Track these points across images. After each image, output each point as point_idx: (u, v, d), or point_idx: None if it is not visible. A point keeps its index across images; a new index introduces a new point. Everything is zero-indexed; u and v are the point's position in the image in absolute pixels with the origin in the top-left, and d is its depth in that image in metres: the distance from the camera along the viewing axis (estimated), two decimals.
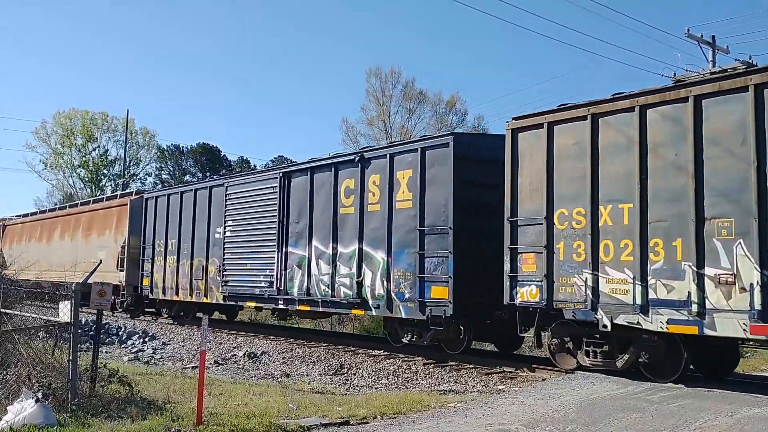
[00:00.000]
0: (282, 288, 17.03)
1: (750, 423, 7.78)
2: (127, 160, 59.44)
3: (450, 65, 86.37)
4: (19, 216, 37.86)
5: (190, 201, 21.26)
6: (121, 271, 24.71)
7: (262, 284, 17.75)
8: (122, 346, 18.79)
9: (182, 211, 21.55)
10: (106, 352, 16.31)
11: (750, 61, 26.49)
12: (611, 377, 10.84)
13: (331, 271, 15.66)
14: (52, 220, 32.50)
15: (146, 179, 63.40)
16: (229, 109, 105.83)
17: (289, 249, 16.96)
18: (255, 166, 54.01)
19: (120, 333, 20.63)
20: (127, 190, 28.32)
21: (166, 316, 23.39)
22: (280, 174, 17.66)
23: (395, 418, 8.67)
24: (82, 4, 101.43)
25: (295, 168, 17.64)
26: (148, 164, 64.93)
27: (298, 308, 16.73)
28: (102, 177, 62.70)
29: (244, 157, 62.89)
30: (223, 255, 19.24)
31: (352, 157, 15.76)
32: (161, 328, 21.58)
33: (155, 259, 22.78)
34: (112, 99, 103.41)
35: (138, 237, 24.28)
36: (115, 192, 41.96)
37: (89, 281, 9.52)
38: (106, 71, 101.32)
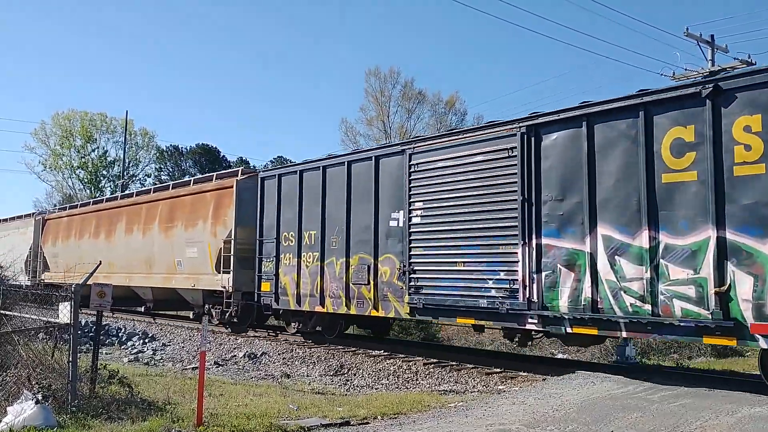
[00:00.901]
0: (535, 299, 11.56)
1: (751, 422, 7.77)
2: (127, 161, 59.43)
3: (449, 65, 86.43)
4: (64, 208, 33.84)
5: (340, 178, 15.67)
6: (224, 272, 19.01)
7: (491, 293, 12.20)
8: (122, 347, 18.79)
9: (326, 193, 16.05)
10: (106, 354, 16.30)
11: (749, 59, 26.57)
12: (612, 376, 10.83)
13: (647, 275, 10.16)
14: (113, 211, 26.78)
15: (146, 180, 63.42)
16: (227, 110, 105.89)
17: (545, 240, 11.55)
18: (254, 166, 53.54)
19: (120, 334, 20.63)
20: (230, 170, 22.39)
21: (294, 331, 18.06)
22: (523, 129, 11.95)
23: (396, 418, 8.66)
24: (81, 5, 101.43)
25: (553, 118, 11.66)
26: (147, 165, 65.03)
27: (570, 331, 11.16)
28: (101, 178, 62.73)
29: (244, 158, 62.95)
30: (409, 250, 13.70)
31: (693, 89, 9.89)
32: (161, 329, 21.57)
33: (281, 256, 17.15)
34: (111, 100, 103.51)
35: (250, 228, 18.57)
36: (165, 183, 39.23)
37: (88, 282, 9.49)
38: (105, 72, 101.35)
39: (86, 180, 62.21)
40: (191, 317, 22.47)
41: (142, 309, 25.16)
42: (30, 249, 31.94)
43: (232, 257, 18.88)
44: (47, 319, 9.52)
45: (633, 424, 7.77)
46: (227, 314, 19.15)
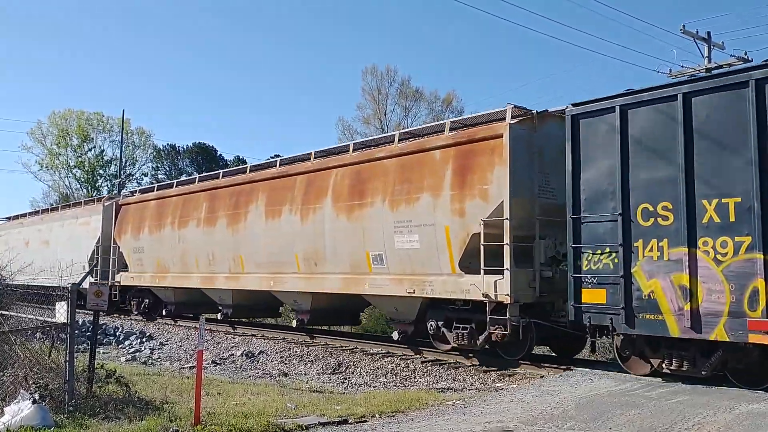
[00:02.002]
0: None
1: (749, 419, 7.78)
2: (123, 160, 59.30)
3: (446, 63, 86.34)
4: (147, 190, 26.04)
5: None
6: (489, 272, 12.38)
7: None
8: (119, 346, 18.75)
9: None
10: (103, 353, 16.28)
11: (746, 57, 26.60)
12: (609, 374, 10.84)
13: None
14: (240, 188, 19.23)
15: (142, 179, 63.33)
16: (224, 109, 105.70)
17: None
18: (123, 191, 53.38)
19: (117, 333, 20.59)
20: (485, 113, 14.04)
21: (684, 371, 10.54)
22: None
23: (394, 416, 8.66)
24: (78, 4, 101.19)
25: None
26: (144, 164, 64.91)
27: None
28: (98, 177, 62.60)
29: (240, 156, 62.86)
30: None
31: None
32: (158, 328, 21.54)
33: (639, 244, 10.54)
34: (108, 99, 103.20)
35: (526, 202, 12.56)
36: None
37: (83, 284, 9.47)
38: (101, 71, 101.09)
39: (83, 179, 62.09)
40: (396, 338, 15.12)
41: (294, 323, 17.81)
42: (97, 244, 25.96)
43: (507, 248, 12.21)
44: (44, 319, 9.50)
45: (631, 421, 7.77)
46: (489, 337, 12.63)
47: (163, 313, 23.36)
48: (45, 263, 27.68)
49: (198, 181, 22.19)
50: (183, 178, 23.28)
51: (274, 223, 17.54)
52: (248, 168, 20.54)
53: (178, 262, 21.66)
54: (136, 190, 27.28)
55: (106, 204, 26.36)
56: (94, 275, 23.44)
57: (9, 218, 37.74)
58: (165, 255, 22.23)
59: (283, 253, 17.19)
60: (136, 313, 24.94)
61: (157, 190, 24.64)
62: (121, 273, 24.62)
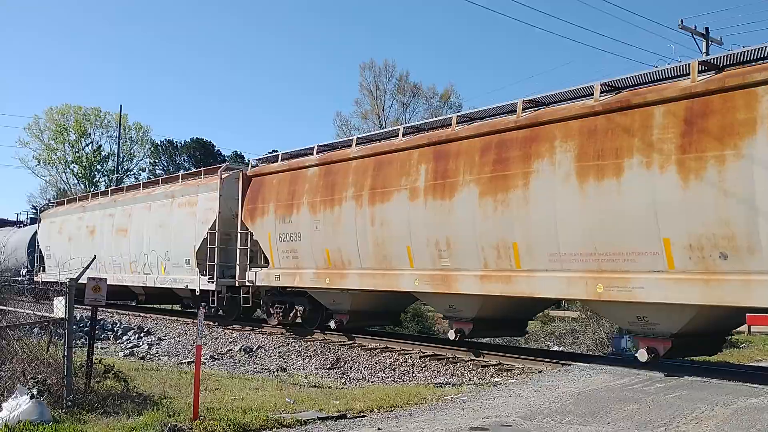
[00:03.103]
0: None
1: (747, 413, 7.78)
2: (121, 155, 59.21)
3: (444, 58, 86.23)
4: (294, 155, 17.64)
5: None
6: None
7: None
8: (117, 341, 18.74)
9: None
10: (102, 348, 16.27)
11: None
12: (608, 368, 10.85)
13: None
14: (514, 135, 11.97)
15: (140, 175, 63.25)
16: (221, 104, 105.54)
17: None
18: (248, 160, 53.14)
19: (115, 329, 20.56)
20: None
21: None
22: None
23: (392, 411, 8.66)
24: (76, 1, 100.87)
25: None
26: (141, 160, 64.82)
27: None
28: (95, 173, 62.52)
29: (238, 152, 62.78)
30: None
31: None
32: (156, 324, 21.53)
33: None
34: (105, 94, 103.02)
35: None
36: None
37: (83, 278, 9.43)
38: (99, 66, 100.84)
39: (80, 175, 62.01)
40: None
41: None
42: (212, 230, 19.13)
43: None
44: (42, 314, 9.48)
45: (629, 415, 7.78)
46: None
47: (332, 325, 16.55)
48: (122, 257, 23.72)
49: (403, 135, 14.53)
50: (359, 135, 16.16)
51: (598, 191, 10.57)
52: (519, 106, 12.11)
53: (370, 254, 14.44)
54: (274, 155, 18.75)
55: (225, 176, 19.42)
56: (205, 272, 19.17)
57: (61, 202, 32.21)
58: (344, 243, 15.07)
59: (631, 237, 10.29)
60: (275, 324, 18.37)
61: (317, 153, 16.52)
62: (254, 270, 17.88)
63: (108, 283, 22.61)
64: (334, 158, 15.86)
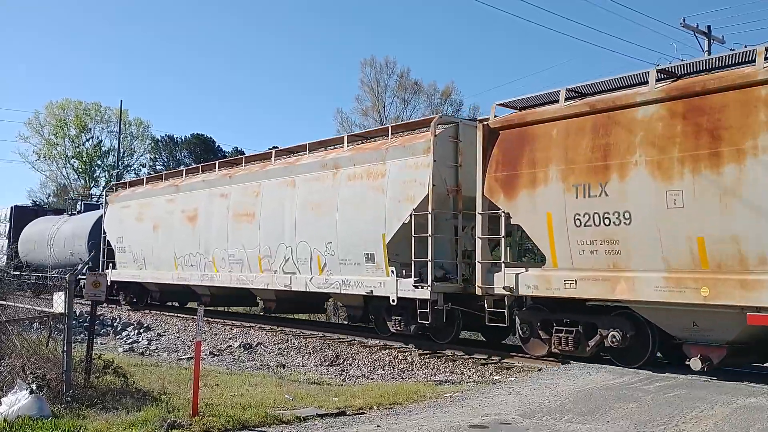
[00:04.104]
0: None
1: (746, 412, 7.79)
2: (121, 150, 59.19)
3: (444, 55, 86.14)
4: (578, 94, 11.75)
5: None
6: None
7: None
8: (117, 337, 18.74)
9: None
10: (101, 344, 16.27)
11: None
12: (607, 367, 10.85)
13: None
14: None
15: (140, 170, 63.22)
16: (222, 100, 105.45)
17: None
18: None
19: (115, 324, 20.57)
20: None
21: None
22: None
23: (391, 408, 8.66)
24: None
25: None
26: (142, 155, 64.78)
27: None
28: (96, 168, 62.50)
29: (239, 147, 62.78)
30: None
31: None
32: (156, 319, 21.53)
33: None
34: (106, 89, 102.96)
35: None
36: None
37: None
38: (99, 62, 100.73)
39: (81, 170, 62.01)
40: None
41: None
42: (417, 214, 13.59)
43: None
44: (42, 309, 9.48)
45: (629, 414, 7.77)
46: None
47: (694, 365, 10.01)
48: (243, 251, 18.04)
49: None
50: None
51: None
52: None
53: None
54: (544, 94, 12.19)
55: (441, 132, 13.77)
56: (406, 272, 13.74)
57: (137, 181, 26.49)
58: (747, 228, 9.30)
59: None
60: (543, 355, 12.28)
61: (657, 81, 10.58)
62: (513, 271, 12.29)
63: (216, 284, 19.30)
64: (708, 86, 9.94)
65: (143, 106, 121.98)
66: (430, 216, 13.29)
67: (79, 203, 37.04)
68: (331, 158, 16.24)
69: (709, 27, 26.94)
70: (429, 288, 13.21)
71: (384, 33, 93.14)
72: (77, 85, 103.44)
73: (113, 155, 60.50)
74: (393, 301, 13.93)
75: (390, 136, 15.28)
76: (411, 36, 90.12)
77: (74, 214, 33.04)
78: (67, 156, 61.92)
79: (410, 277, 13.66)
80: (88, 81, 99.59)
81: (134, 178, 28.21)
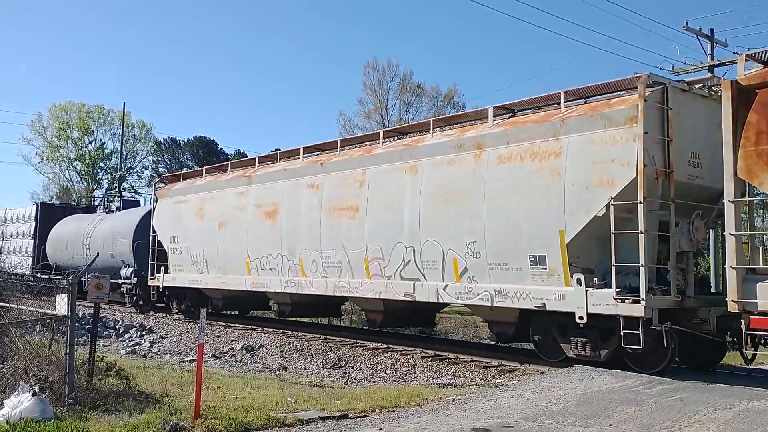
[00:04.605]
0: None
1: (749, 416, 7.77)
2: (124, 153, 59.25)
3: (447, 58, 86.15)
4: None
5: None
6: None
7: None
8: (119, 339, 18.75)
9: None
10: (104, 346, 16.27)
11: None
12: (610, 370, 10.82)
13: None
14: None
15: (143, 173, 63.26)
16: (224, 102, 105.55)
17: None
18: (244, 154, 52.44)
19: (117, 326, 20.57)
20: None
21: None
22: None
23: (394, 411, 8.64)
24: None
25: None
26: (144, 157, 64.84)
27: None
28: (98, 170, 62.57)
29: (241, 150, 62.80)
30: None
31: None
32: (158, 322, 21.53)
33: None
34: (109, 92, 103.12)
35: None
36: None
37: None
38: (102, 64, 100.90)
39: (83, 172, 62.07)
40: None
41: None
42: (618, 204, 10.60)
43: None
44: (44, 311, 9.48)
45: (631, 417, 7.76)
46: None
47: None
48: (344, 252, 15.14)
49: None
50: None
51: None
52: None
53: None
54: None
55: (648, 95, 10.69)
56: (595, 282, 10.90)
57: (193, 173, 22.95)
58: None
59: None
60: None
61: None
62: None
63: (305, 291, 16.38)
64: None
65: (145, 108, 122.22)
66: (641, 206, 10.26)
67: (117, 200, 33.92)
68: (471, 137, 13.00)
69: (712, 30, 26.91)
70: (643, 302, 10.10)
71: (386, 35, 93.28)
72: (78, 86, 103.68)
73: (116, 157, 60.62)
74: (580, 318, 10.86)
75: (562, 106, 11.96)
76: (413, 38, 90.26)
77: (112, 212, 30.43)
78: (69, 158, 62.02)
79: (599, 285, 10.78)
80: (89, 81, 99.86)
81: (190, 169, 23.53)
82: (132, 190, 58.00)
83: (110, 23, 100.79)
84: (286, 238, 16.70)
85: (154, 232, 21.99)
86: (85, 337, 13.28)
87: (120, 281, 24.57)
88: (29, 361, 8.75)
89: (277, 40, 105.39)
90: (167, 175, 25.96)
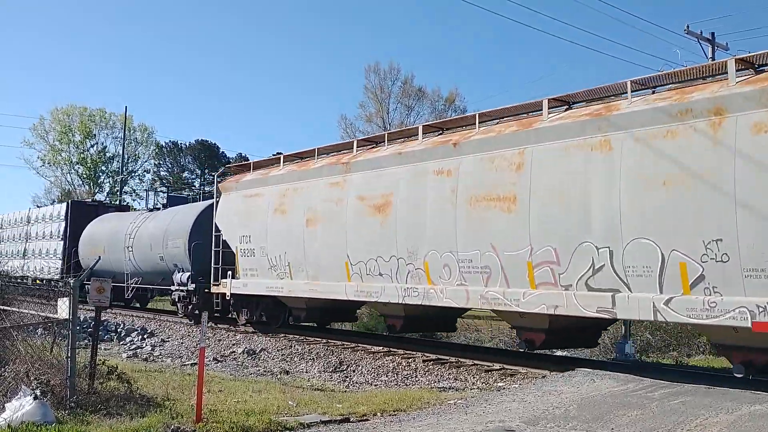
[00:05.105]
0: None
1: (751, 420, 7.75)
2: (126, 156, 59.32)
3: (448, 61, 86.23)
4: None
5: None
6: None
7: None
8: (121, 343, 18.74)
9: None
10: (105, 349, 16.27)
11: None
12: (612, 374, 10.81)
13: None
14: None
15: (144, 176, 63.32)
16: (226, 106, 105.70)
17: None
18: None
19: (119, 330, 20.57)
20: None
21: None
22: None
23: (395, 415, 8.64)
24: (81, 1, 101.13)
25: None
26: (146, 161, 64.93)
27: None
28: (100, 174, 62.65)
29: (243, 154, 62.89)
30: None
31: None
32: (160, 325, 21.53)
33: None
34: (110, 95, 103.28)
35: None
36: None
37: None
38: (104, 67, 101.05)
39: (85, 176, 62.14)
40: None
41: None
42: None
43: None
44: (46, 315, 9.49)
45: (633, 421, 7.75)
46: None
47: None
48: (487, 256, 12.14)
49: None
50: None
51: None
52: None
53: None
54: None
55: None
56: None
57: (268, 161, 19.39)
58: None
59: None
60: None
61: None
62: None
63: (433, 303, 12.95)
64: None
65: (147, 111, 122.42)
66: None
67: (161, 196, 30.38)
68: (703, 99, 9.83)
69: (713, 34, 26.96)
70: None
71: (387, 37, 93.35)
72: (79, 87, 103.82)
73: (117, 161, 60.67)
74: None
75: None
76: (414, 41, 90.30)
77: (157, 209, 26.55)
78: (71, 162, 62.09)
79: None
80: (90, 83, 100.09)
81: (260, 159, 19.98)
82: (133, 194, 58.07)
83: (110, 24, 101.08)
84: (403, 237, 13.62)
85: (218, 231, 18.98)
86: (86, 341, 13.28)
87: (174, 288, 21.68)
88: (31, 365, 8.75)
89: (279, 42, 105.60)
90: (231, 165, 22.02)
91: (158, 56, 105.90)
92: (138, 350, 17.24)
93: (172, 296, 22.31)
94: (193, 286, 20.67)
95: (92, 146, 62.59)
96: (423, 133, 14.32)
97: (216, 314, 19.50)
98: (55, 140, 61.87)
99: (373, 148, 15.64)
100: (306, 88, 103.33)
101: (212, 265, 19.04)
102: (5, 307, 10.33)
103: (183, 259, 21.30)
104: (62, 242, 29.90)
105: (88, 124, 61.85)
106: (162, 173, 63.14)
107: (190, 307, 21.13)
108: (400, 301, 13.84)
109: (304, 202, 16.33)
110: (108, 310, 22.89)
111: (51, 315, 9.27)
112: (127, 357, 15.78)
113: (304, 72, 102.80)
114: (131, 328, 20.80)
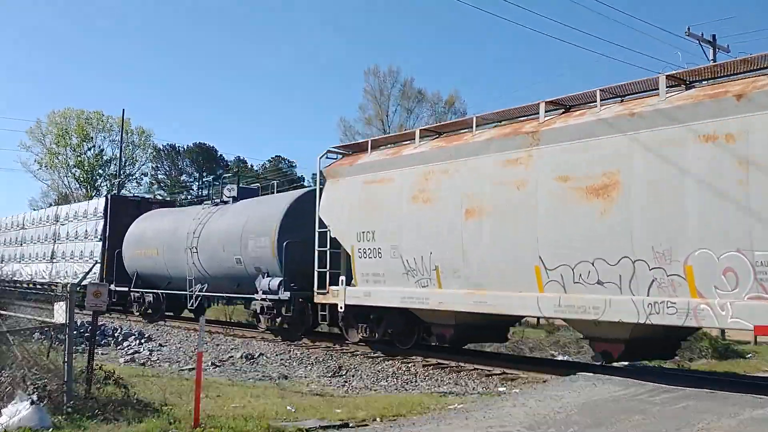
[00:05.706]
0: None
1: (753, 424, 7.72)
2: (123, 159, 59.22)
3: (448, 64, 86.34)
4: None
5: None
6: None
7: None
8: (118, 347, 18.63)
9: None
10: (102, 354, 16.16)
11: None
12: (613, 378, 10.77)
13: None
14: None
15: (142, 179, 63.23)
16: (224, 109, 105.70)
17: None
18: (251, 165, 53.07)
19: (116, 334, 20.46)
20: None
21: None
22: None
23: (395, 420, 8.57)
24: (80, 2, 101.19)
25: None
26: (143, 164, 64.85)
27: None
28: (97, 177, 62.55)
29: (241, 157, 62.87)
30: None
31: None
32: (157, 330, 21.44)
33: None
34: (108, 98, 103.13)
35: None
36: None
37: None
38: (101, 70, 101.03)
39: (82, 179, 62.02)
40: None
41: None
42: None
43: None
44: (43, 319, 9.43)
45: (635, 426, 7.70)
46: None
47: None
48: None
49: None
50: None
51: None
52: None
53: None
54: None
55: None
56: None
57: (404, 136, 16.18)
58: None
59: None
60: None
61: None
62: None
63: (706, 323, 9.37)
64: None
65: (144, 114, 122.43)
66: None
67: (231, 188, 23.27)
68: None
69: (714, 36, 26.99)
70: None
71: (386, 42, 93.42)
72: (77, 94, 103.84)
73: (115, 164, 60.56)
74: None
75: None
76: (413, 45, 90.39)
77: (225, 203, 22.04)
78: (68, 165, 61.98)
79: None
80: (87, 90, 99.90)
81: (376, 136, 16.01)
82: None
83: (108, 31, 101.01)
84: (644, 231, 10.24)
85: (323, 226, 15.71)
86: (83, 345, 13.20)
87: (258, 297, 18.18)
88: (27, 370, 8.69)
89: (277, 45, 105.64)
90: (340, 145, 17.17)
91: (155, 60, 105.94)
92: (135, 355, 17.14)
93: (253, 306, 19.04)
94: (287, 294, 17.11)
95: (89, 149, 62.49)
96: (667, 85, 10.66)
97: (315, 329, 16.90)
98: (53, 143, 61.79)
99: (580, 109, 11.99)
100: (304, 91, 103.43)
101: (316, 269, 15.75)
102: (2, 312, 10.27)
103: (270, 262, 17.69)
104: (101, 243, 26.04)
105: (85, 127, 61.74)
106: (160, 176, 63.09)
107: (278, 319, 17.79)
108: (641, 321, 10.26)
109: (460, 187, 12.93)
110: (159, 322, 20.80)
111: (47, 319, 9.21)
112: (125, 362, 15.67)
113: (302, 74, 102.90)
114: (129, 333, 20.69)
